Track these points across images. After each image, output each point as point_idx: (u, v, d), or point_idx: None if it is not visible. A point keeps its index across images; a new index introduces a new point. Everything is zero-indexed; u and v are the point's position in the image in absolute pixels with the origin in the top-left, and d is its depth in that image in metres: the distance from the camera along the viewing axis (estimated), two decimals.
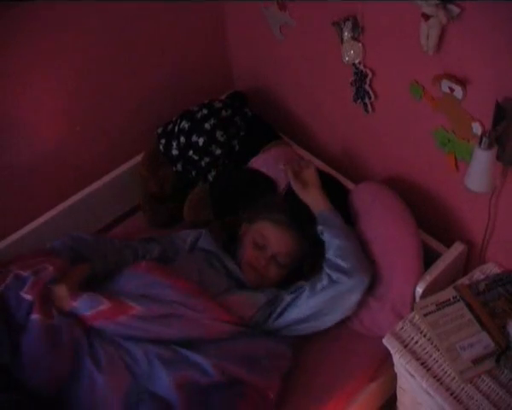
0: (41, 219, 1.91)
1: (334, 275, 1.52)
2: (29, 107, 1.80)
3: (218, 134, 1.90)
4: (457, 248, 1.64)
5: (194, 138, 1.90)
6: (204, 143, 1.89)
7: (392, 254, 1.59)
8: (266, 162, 1.91)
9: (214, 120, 1.91)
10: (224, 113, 1.94)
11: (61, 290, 1.42)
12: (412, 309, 1.54)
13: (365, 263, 1.56)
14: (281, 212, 1.67)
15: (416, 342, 1.44)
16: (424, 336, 1.45)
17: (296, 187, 1.71)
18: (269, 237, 1.65)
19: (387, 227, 1.62)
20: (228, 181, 1.90)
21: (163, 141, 1.97)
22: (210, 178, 1.94)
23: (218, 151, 1.91)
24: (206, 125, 1.90)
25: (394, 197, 1.67)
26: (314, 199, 1.68)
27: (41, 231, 1.91)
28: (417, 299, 1.56)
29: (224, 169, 1.93)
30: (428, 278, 1.56)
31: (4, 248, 1.85)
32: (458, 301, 1.47)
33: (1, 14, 1.60)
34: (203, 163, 1.92)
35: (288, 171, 1.74)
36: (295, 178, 1.72)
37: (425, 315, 1.45)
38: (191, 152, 1.91)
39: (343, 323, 1.63)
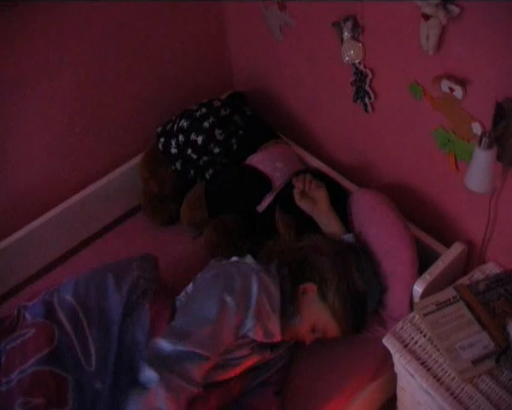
0: (41, 219, 1.91)
1: None
2: (29, 107, 1.80)
3: (217, 133, 1.90)
4: (457, 248, 1.64)
5: (192, 137, 1.90)
6: (203, 141, 1.89)
7: (390, 263, 1.61)
8: (263, 160, 1.91)
9: (213, 118, 1.91)
10: (223, 112, 1.95)
11: None
12: (410, 310, 1.54)
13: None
14: (347, 304, 1.51)
15: (416, 342, 1.44)
16: (424, 336, 1.45)
17: (304, 206, 1.70)
18: (328, 334, 1.55)
19: (386, 237, 1.63)
20: (223, 180, 1.91)
21: (162, 140, 1.97)
22: (207, 176, 1.94)
23: (217, 150, 1.91)
24: (205, 124, 1.90)
25: (393, 208, 1.67)
26: (327, 222, 1.68)
27: (41, 230, 1.91)
28: (417, 299, 1.56)
29: (221, 168, 1.93)
30: (428, 277, 1.56)
31: (4, 248, 1.85)
32: (458, 301, 1.47)
33: (3, 13, 1.60)
34: (201, 162, 1.92)
35: (295, 191, 1.71)
36: (301, 197, 1.70)
37: (425, 315, 1.45)
38: (190, 151, 1.91)
39: None
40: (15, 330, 1.41)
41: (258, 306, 1.41)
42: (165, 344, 1.31)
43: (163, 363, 1.28)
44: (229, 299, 1.38)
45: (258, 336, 1.43)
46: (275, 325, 1.45)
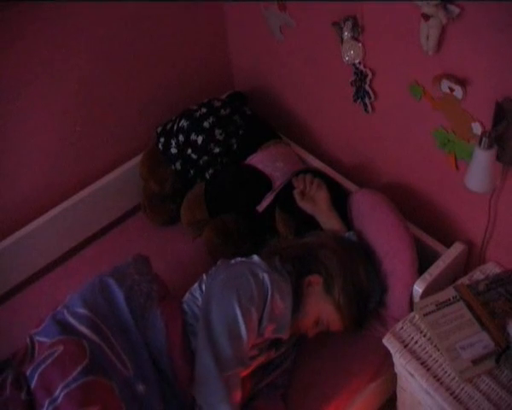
0: (41, 219, 1.91)
1: None
2: (29, 106, 1.80)
3: (217, 133, 1.90)
4: (457, 248, 1.65)
5: (192, 137, 1.90)
6: (203, 141, 1.89)
7: (390, 263, 1.61)
8: (263, 160, 1.91)
9: (213, 118, 1.91)
10: (222, 111, 1.95)
11: None
12: (410, 310, 1.54)
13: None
14: (351, 300, 1.52)
15: (416, 342, 1.44)
16: (424, 336, 1.45)
17: (305, 206, 1.70)
18: (331, 328, 1.56)
19: (386, 237, 1.63)
20: (222, 179, 1.91)
21: (162, 140, 1.97)
22: (207, 176, 1.94)
23: (217, 150, 1.91)
24: (205, 124, 1.90)
25: (393, 208, 1.67)
26: (328, 221, 1.68)
27: (41, 230, 1.91)
28: (417, 299, 1.56)
29: (221, 167, 1.93)
30: (428, 277, 1.56)
31: (4, 248, 1.85)
32: (458, 301, 1.47)
33: (3, 13, 1.60)
34: (201, 162, 1.92)
35: (295, 192, 1.71)
36: (301, 198, 1.71)
37: (425, 315, 1.45)
38: (190, 151, 1.91)
39: None
40: (34, 358, 1.37)
41: (272, 305, 1.43)
42: (221, 371, 1.34)
43: (222, 392, 1.33)
44: (252, 308, 1.40)
45: (269, 334, 1.45)
46: (287, 322, 1.47)
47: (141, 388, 1.33)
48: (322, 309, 1.52)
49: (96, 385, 1.28)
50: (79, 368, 1.28)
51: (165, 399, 1.35)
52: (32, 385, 1.29)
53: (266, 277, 1.45)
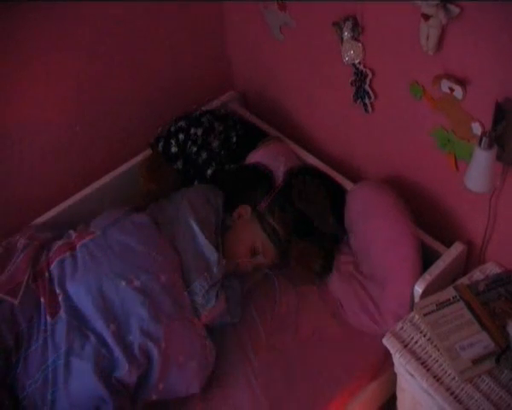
0: (41, 219, 1.91)
1: None
2: (29, 107, 1.80)
3: (216, 125, 1.94)
4: (457, 248, 1.65)
5: (192, 131, 1.93)
6: (203, 133, 1.91)
7: (392, 256, 1.60)
8: (264, 156, 1.91)
9: (210, 116, 1.97)
10: (218, 112, 1.99)
11: None
12: (410, 310, 1.54)
13: None
14: (288, 228, 1.65)
15: (416, 342, 1.44)
16: (424, 336, 1.45)
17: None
18: (267, 256, 1.65)
19: (387, 229, 1.62)
20: (223, 179, 1.91)
21: (162, 140, 1.98)
22: (208, 174, 1.94)
23: (216, 143, 1.92)
24: (204, 119, 1.94)
25: (394, 197, 1.67)
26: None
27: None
28: (417, 299, 1.56)
29: (222, 167, 1.94)
30: (428, 277, 1.56)
31: None
32: (458, 301, 1.47)
33: (3, 13, 1.60)
34: (200, 160, 1.93)
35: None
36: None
37: (425, 315, 1.45)
38: (190, 143, 1.93)
39: (344, 322, 1.64)
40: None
41: None
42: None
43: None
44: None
45: None
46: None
47: None
48: (256, 236, 1.57)
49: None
50: None
51: None
52: None
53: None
